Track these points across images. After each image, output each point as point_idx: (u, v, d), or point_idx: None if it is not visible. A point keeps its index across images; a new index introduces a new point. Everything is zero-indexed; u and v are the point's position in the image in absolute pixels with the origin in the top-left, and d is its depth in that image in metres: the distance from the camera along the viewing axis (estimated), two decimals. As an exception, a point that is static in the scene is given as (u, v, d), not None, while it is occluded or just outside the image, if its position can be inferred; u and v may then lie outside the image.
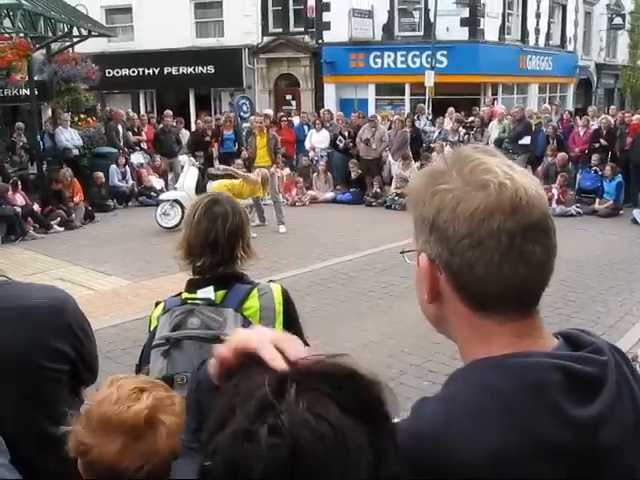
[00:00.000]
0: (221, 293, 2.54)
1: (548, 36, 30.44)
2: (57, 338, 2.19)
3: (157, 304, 2.73)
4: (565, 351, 1.16)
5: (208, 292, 2.51)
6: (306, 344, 2.69)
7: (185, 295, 2.59)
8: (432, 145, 17.38)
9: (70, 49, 17.81)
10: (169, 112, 19.08)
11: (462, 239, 1.12)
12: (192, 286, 2.59)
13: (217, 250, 2.56)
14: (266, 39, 27.66)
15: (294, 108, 26.24)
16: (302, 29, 27.53)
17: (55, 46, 17.19)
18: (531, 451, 1.06)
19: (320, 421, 0.87)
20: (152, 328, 2.63)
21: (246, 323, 2.49)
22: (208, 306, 2.50)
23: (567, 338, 1.20)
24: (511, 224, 1.11)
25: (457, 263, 1.14)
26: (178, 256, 2.64)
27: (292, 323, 2.64)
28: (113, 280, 10.27)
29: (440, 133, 18.06)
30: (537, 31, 29.54)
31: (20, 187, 13.93)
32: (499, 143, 16.70)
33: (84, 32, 17.44)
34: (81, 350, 2.28)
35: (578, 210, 14.88)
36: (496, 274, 1.12)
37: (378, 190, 16.74)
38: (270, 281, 2.77)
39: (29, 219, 13.52)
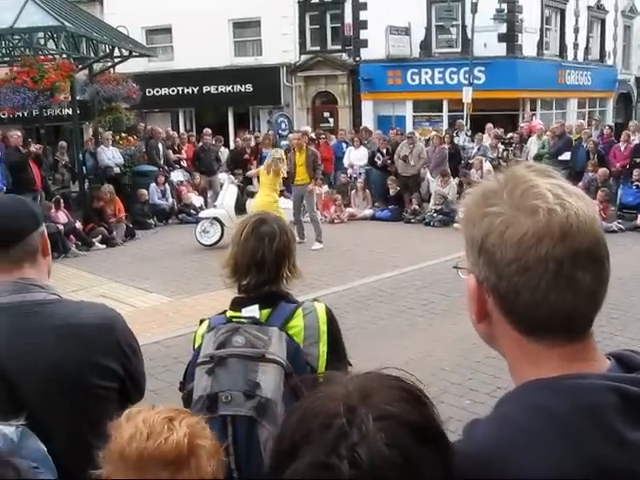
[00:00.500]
0: (266, 312, 2.55)
1: (587, 50, 30.19)
2: (107, 356, 2.20)
3: (201, 322, 2.73)
4: (618, 373, 1.15)
5: (253, 310, 2.52)
6: (349, 364, 2.70)
7: (230, 313, 2.59)
8: (470, 161, 17.30)
9: (111, 69, 18.15)
10: (208, 130, 19.28)
11: (509, 264, 1.11)
12: (237, 304, 2.60)
13: (263, 269, 2.57)
14: (304, 57, 27.83)
15: (332, 125, 26.34)
16: (339, 47, 27.65)
17: (97, 66, 17.55)
18: (588, 474, 1.04)
19: (395, 452, 0.88)
20: (197, 346, 2.63)
21: (291, 342, 2.50)
22: (253, 324, 2.50)
23: (619, 359, 1.18)
24: (559, 251, 1.09)
25: (504, 287, 1.13)
26: (224, 274, 2.65)
27: (336, 343, 2.64)
28: (154, 297, 10.37)
29: (479, 149, 17.98)
30: (576, 46, 29.32)
31: (63, 205, 14.16)
32: (538, 159, 16.54)
33: (125, 52, 17.76)
34: (129, 368, 2.29)
35: (620, 226, 14.67)
36: (542, 301, 1.11)
37: (416, 207, 16.69)
38: (314, 300, 2.76)
39: (71, 236, 13.73)
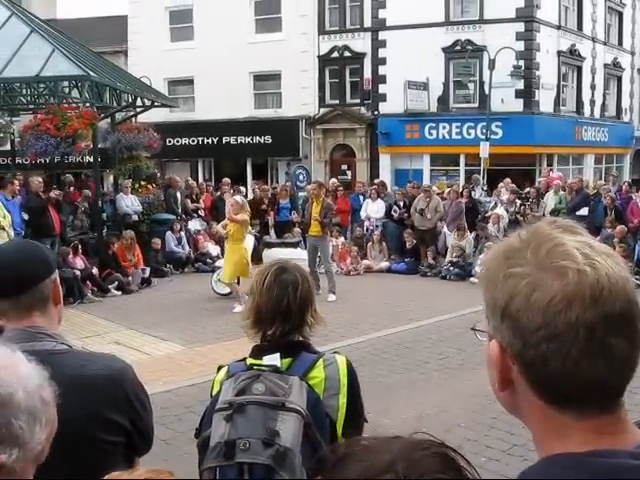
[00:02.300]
0: (287, 361, 2.53)
1: (603, 107, 30.43)
2: (114, 410, 2.17)
3: (220, 368, 2.71)
4: None
5: (274, 359, 2.50)
6: (365, 420, 2.66)
7: (250, 361, 2.57)
8: (487, 215, 17.32)
9: (133, 118, 18.44)
10: (227, 180, 19.43)
11: (537, 330, 1.04)
12: (258, 352, 2.58)
13: (289, 317, 2.56)
14: (323, 110, 28.18)
15: (349, 178, 26.52)
16: (358, 100, 28.01)
17: (119, 115, 17.83)
18: None
19: None
20: (214, 392, 2.61)
21: (311, 392, 2.48)
22: (274, 373, 2.49)
23: None
24: (591, 315, 1.02)
25: (530, 355, 1.06)
26: (246, 325, 2.63)
27: (355, 396, 2.62)
28: (167, 345, 10.33)
29: (495, 204, 18.00)
30: (592, 102, 29.56)
31: (80, 251, 14.23)
32: (555, 214, 16.53)
33: (147, 102, 18.09)
34: (137, 422, 2.26)
35: (637, 282, 14.44)
36: (573, 370, 1.03)
37: (432, 261, 16.65)
38: (335, 352, 2.75)
39: (88, 282, 13.77)
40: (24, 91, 15.73)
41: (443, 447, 0.95)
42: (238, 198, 13.03)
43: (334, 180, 21.19)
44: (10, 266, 2.13)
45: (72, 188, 17.35)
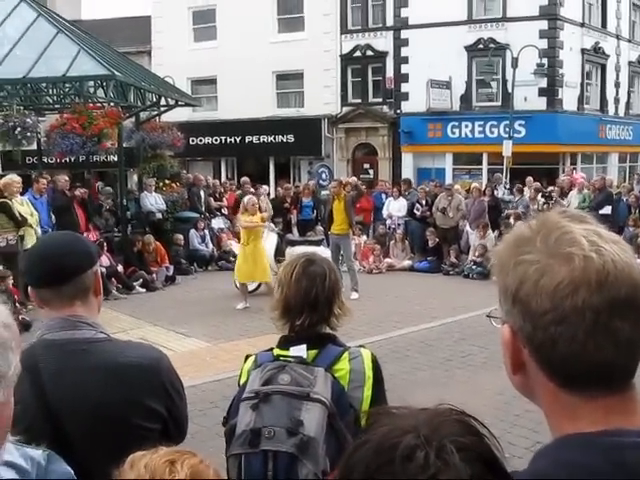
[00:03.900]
0: (313, 352, 2.58)
1: (628, 105, 30.16)
2: (152, 397, 2.21)
3: (247, 358, 2.77)
4: None
5: (301, 350, 2.55)
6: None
7: (277, 351, 2.62)
8: (507, 212, 17.28)
9: (157, 118, 18.57)
10: (246, 179, 19.49)
11: (545, 314, 1.08)
12: (285, 343, 2.63)
13: (317, 308, 2.61)
14: (345, 109, 28.19)
15: (372, 177, 26.53)
16: (380, 99, 27.99)
17: (143, 115, 17.97)
18: None
19: None
20: (242, 382, 2.66)
21: (336, 384, 2.52)
22: (299, 364, 2.53)
23: None
24: (597, 300, 1.05)
25: (539, 338, 1.10)
26: (274, 317, 2.68)
27: (379, 389, 2.66)
28: (192, 342, 10.42)
29: (517, 203, 17.93)
30: (617, 100, 29.31)
31: (105, 248, 14.37)
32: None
33: (171, 102, 18.21)
34: (173, 410, 2.30)
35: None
36: (580, 351, 1.07)
37: (454, 259, 16.63)
38: (360, 346, 2.79)
39: (113, 279, 13.90)
40: (50, 91, 15.89)
41: (464, 415, 1.00)
42: (245, 199, 13.11)
43: (354, 178, 21.19)
44: (53, 257, 2.19)
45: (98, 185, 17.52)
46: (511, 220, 16.84)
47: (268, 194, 21.45)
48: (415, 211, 17.87)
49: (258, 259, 12.27)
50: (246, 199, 12.99)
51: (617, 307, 1.06)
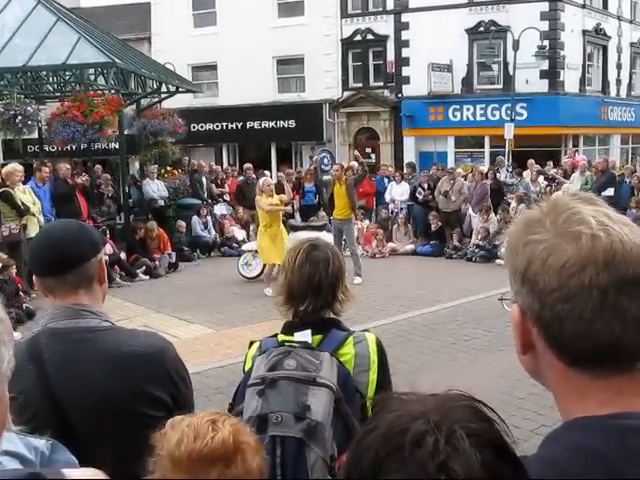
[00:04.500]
0: (318, 337, 2.59)
1: (630, 86, 30.02)
2: (156, 385, 2.21)
3: (251, 344, 2.78)
4: None
5: (306, 335, 2.56)
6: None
7: (282, 337, 2.63)
8: (510, 195, 17.27)
9: (158, 105, 18.54)
10: (249, 165, 19.47)
11: (552, 292, 1.08)
12: (289, 328, 2.64)
13: (321, 293, 2.61)
14: (346, 94, 28.11)
15: (374, 161, 26.47)
16: (381, 84, 27.90)
17: (144, 102, 17.94)
18: None
19: (486, 470, 0.88)
20: (247, 368, 2.67)
21: (341, 368, 2.53)
22: (305, 349, 2.54)
23: None
24: (604, 278, 1.05)
25: (547, 316, 1.10)
26: (278, 302, 2.68)
27: (384, 373, 2.67)
28: (195, 328, 10.46)
29: (518, 185, 17.90)
30: (618, 82, 29.19)
31: (108, 236, 14.38)
32: (582, 195, 16.39)
33: (172, 88, 18.20)
34: (178, 398, 2.30)
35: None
36: (587, 330, 1.07)
37: (457, 243, 16.63)
38: (365, 330, 2.80)
39: (116, 267, 13.92)
40: (51, 79, 15.90)
41: (474, 400, 1.00)
42: (260, 181, 13.09)
43: (355, 163, 21.12)
44: (57, 245, 2.18)
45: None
46: (512, 202, 16.85)
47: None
48: (417, 195, 17.84)
49: (278, 242, 12.21)
50: (261, 181, 13.00)
51: (624, 286, 1.06)
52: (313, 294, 2.61)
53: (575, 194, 1.19)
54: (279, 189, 13.85)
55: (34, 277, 2.27)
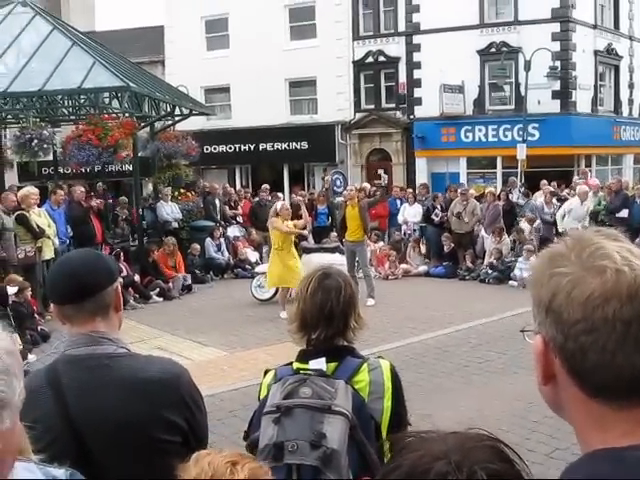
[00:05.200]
0: (332, 365, 2.60)
1: (642, 106, 30.00)
2: (172, 411, 2.24)
3: (266, 372, 2.79)
4: None
5: (320, 363, 2.57)
6: (409, 424, 2.71)
7: (297, 365, 2.65)
8: (522, 217, 17.23)
9: (172, 127, 18.67)
10: (266, 186, 19.52)
11: (576, 324, 1.10)
12: (304, 356, 2.66)
13: (333, 321, 2.63)
14: (358, 115, 28.23)
15: (386, 182, 26.49)
16: (394, 105, 28.01)
17: (158, 124, 18.08)
18: None
19: None
20: (262, 396, 2.69)
21: (356, 395, 2.54)
22: (320, 377, 2.55)
23: None
24: (627, 311, 1.07)
25: (571, 348, 1.11)
26: (292, 330, 2.70)
27: (399, 400, 2.68)
28: (209, 351, 10.46)
29: (525, 207, 17.88)
30: (630, 101, 29.20)
31: (122, 258, 14.45)
32: (594, 216, 16.36)
33: (185, 111, 18.32)
34: (193, 423, 2.33)
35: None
36: (610, 362, 1.08)
37: (470, 264, 16.58)
38: (379, 357, 2.81)
39: (130, 289, 13.96)
40: (66, 102, 16.04)
41: (495, 440, 1.01)
42: (278, 204, 13.10)
43: (367, 185, 21.23)
44: (75, 275, 2.24)
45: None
46: (522, 224, 16.81)
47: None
48: (434, 217, 17.79)
49: (291, 264, 12.16)
50: (279, 204, 12.98)
51: None
52: (325, 322, 2.63)
53: (599, 229, 1.21)
54: (295, 211, 13.86)
55: (52, 305, 2.31)
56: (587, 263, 1.12)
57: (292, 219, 12.81)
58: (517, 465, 0.99)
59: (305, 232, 13.79)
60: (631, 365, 1.08)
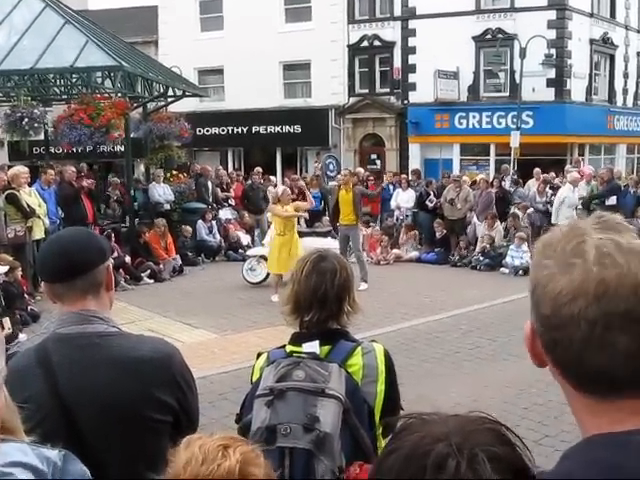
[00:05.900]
0: (326, 348, 2.58)
1: (637, 96, 30.01)
2: (163, 390, 2.23)
3: (259, 355, 2.77)
4: None
5: (314, 346, 2.55)
6: (401, 408, 2.70)
7: (290, 348, 2.63)
8: (514, 204, 17.26)
9: (165, 108, 18.57)
10: (258, 169, 19.46)
11: (548, 318, 1.11)
12: (297, 339, 2.63)
13: (326, 305, 2.61)
14: (352, 100, 28.15)
15: (379, 167, 26.51)
16: (388, 90, 27.94)
17: (151, 105, 17.97)
18: None
19: None
20: (255, 379, 2.67)
21: (349, 379, 2.52)
22: (313, 360, 2.53)
23: None
24: (592, 311, 1.06)
25: (546, 339, 1.13)
26: (285, 312, 2.68)
27: (392, 383, 2.67)
28: (200, 333, 10.45)
29: (514, 194, 17.90)
30: (625, 91, 29.20)
31: (113, 239, 14.38)
32: (587, 204, 16.37)
33: (178, 92, 18.21)
34: (184, 403, 2.32)
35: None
36: (577, 358, 1.09)
37: (463, 251, 16.60)
38: (372, 341, 2.79)
39: (121, 270, 13.90)
40: (58, 82, 15.90)
41: (496, 424, 1.00)
42: (279, 189, 13.03)
43: (361, 169, 21.21)
44: (66, 253, 2.21)
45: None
46: (516, 211, 16.84)
47: (275, 185, 21.47)
48: (428, 202, 17.79)
49: (293, 250, 12.03)
50: (280, 189, 12.94)
51: (615, 320, 1.06)
52: (318, 305, 2.61)
53: (601, 216, 1.18)
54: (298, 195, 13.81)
55: (42, 283, 2.29)
56: (562, 259, 1.11)
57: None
58: (518, 449, 0.97)
59: (306, 214, 13.68)
60: (596, 364, 1.07)
